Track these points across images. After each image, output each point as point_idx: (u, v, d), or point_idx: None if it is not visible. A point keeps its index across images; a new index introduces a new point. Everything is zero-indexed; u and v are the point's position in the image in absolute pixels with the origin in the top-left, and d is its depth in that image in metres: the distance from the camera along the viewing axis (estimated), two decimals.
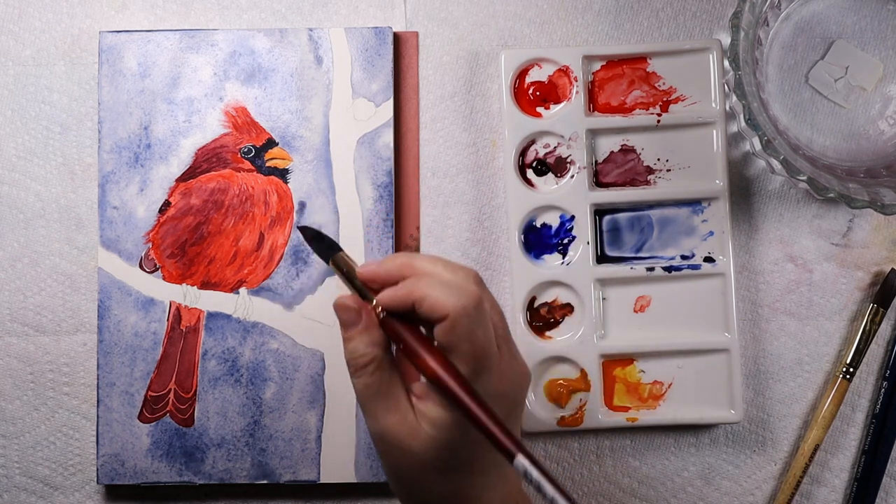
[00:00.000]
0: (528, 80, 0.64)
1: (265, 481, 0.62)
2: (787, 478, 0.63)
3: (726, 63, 0.63)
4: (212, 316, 0.63)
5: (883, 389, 0.64)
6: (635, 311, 0.64)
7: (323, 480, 0.62)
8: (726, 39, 0.63)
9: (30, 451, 0.64)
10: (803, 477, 0.63)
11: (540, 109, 0.64)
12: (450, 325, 0.48)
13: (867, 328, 0.63)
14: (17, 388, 0.64)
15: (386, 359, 0.51)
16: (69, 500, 0.64)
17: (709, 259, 0.63)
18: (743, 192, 0.65)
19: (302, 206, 0.63)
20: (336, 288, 0.63)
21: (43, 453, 0.64)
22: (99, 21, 0.65)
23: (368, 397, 0.50)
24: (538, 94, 0.64)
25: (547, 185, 0.64)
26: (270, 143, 0.63)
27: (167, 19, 0.65)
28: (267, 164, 0.63)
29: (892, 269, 0.64)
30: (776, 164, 0.59)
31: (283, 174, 0.63)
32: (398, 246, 0.64)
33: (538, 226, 0.64)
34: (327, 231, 0.63)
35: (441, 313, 0.48)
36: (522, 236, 0.64)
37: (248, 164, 0.63)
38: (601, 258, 0.64)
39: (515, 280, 0.63)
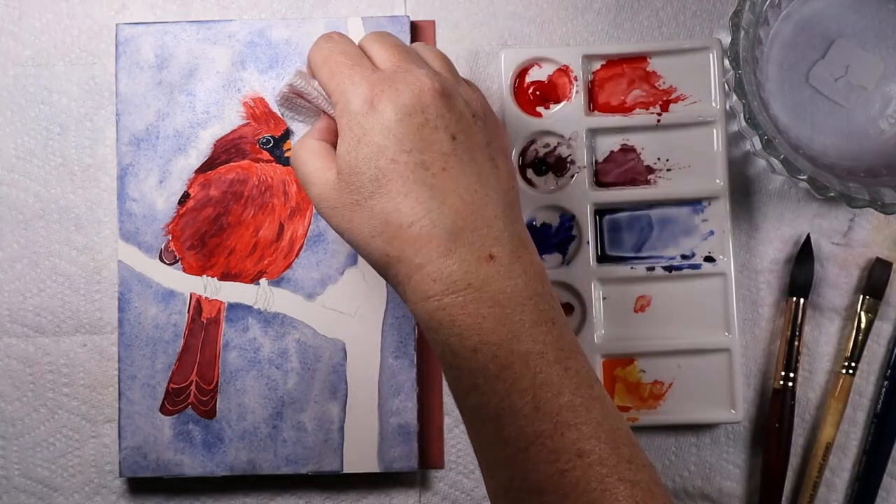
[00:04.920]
0: (527, 79, 0.64)
1: (288, 472, 0.62)
2: (805, 480, 0.63)
3: (726, 62, 0.63)
4: (232, 307, 0.63)
5: (884, 389, 0.64)
6: (635, 310, 0.64)
7: (346, 471, 0.62)
8: (726, 38, 0.63)
9: (29, 453, 0.64)
10: (820, 477, 0.63)
11: (540, 109, 0.64)
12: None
13: (860, 319, 0.63)
14: (16, 390, 0.64)
15: None
16: (68, 501, 0.64)
17: (709, 258, 0.63)
18: (743, 192, 0.65)
19: None
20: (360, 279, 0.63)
21: (42, 455, 0.64)
22: (99, 21, 0.65)
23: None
24: (538, 93, 0.64)
25: (547, 185, 0.64)
26: (289, 134, 0.63)
27: (167, 19, 0.65)
28: (286, 155, 0.63)
29: (878, 258, 0.64)
30: (776, 163, 0.59)
31: None
32: None
33: (538, 225, 0.64)
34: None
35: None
36: None
37: (266, 155, 0.63)
38: (601, 258, 0.64)
39: None
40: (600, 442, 0.47)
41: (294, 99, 0.54)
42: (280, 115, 0.55)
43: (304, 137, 0.54)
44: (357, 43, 0.53)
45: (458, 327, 0.48)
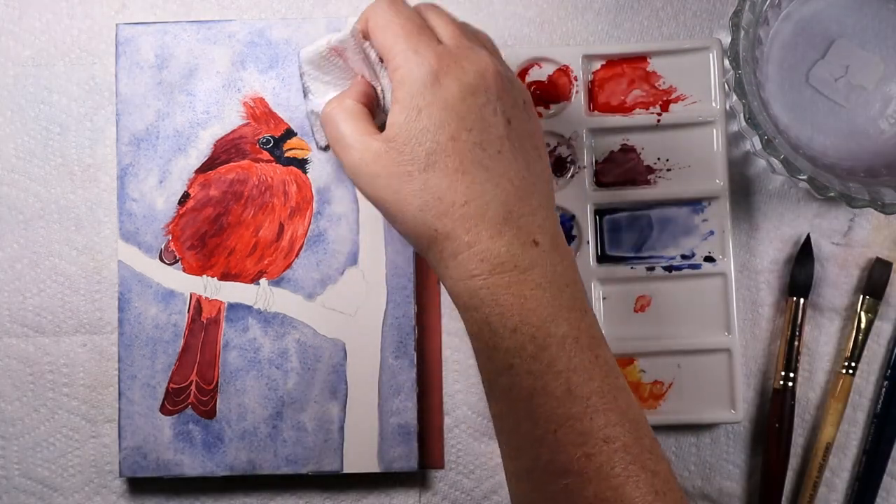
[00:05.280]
0: (528, 79, 0.64)
1: (288, 472, 0.62)
2: (805, 480, 0.63)
3: (726, 62, 0.63)
4: (232, 307, 0.63)
5: (884, 389, 0.64)
6: (635, 310, 0.64)
7: (346, 471, 0.62)
8: (726, 38, 0.63)
9: (29, 453, 0.64)
10: (820, 477, 0.63)
11: (540, 109, 0.64)
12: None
13: (860, 319, 0.63)
14: (16, 390, 0.64)
15: None
16: (68, 501, 0.64)
17: (709, 258, 0.63)
18: (743, 192, 0.65)
19: (321, 195, 0.63)
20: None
21: (42, 455, 0.64)
22: (98, 21, 0.65)
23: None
24: (538, 93, 0.64)
25: None
26: (289, 134, 0.63)
27: (167, 19, 0.65)
28: (286, 155, 0.63)
29: (878, 258, 0.64)
30: (776, 163, 0.59)
31: (302, 164, 0.63)
32: None
33: None
34: (347, 220, 0.63)
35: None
36: None
37: (266, 155, 0.63)
38: (601, 258, 0.64)
39: None
40: (625, 430, 0.48)
41: (331, 58, 0.53)
42: (300, 70, 0.54)
43: (341, 96, 0.53)
44: None
45: (501, 306, 0.49)
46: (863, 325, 0.63)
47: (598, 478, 0.47)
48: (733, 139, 0.65)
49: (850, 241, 0.64)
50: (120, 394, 0.62)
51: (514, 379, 0.49)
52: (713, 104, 0.63)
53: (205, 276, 0.63)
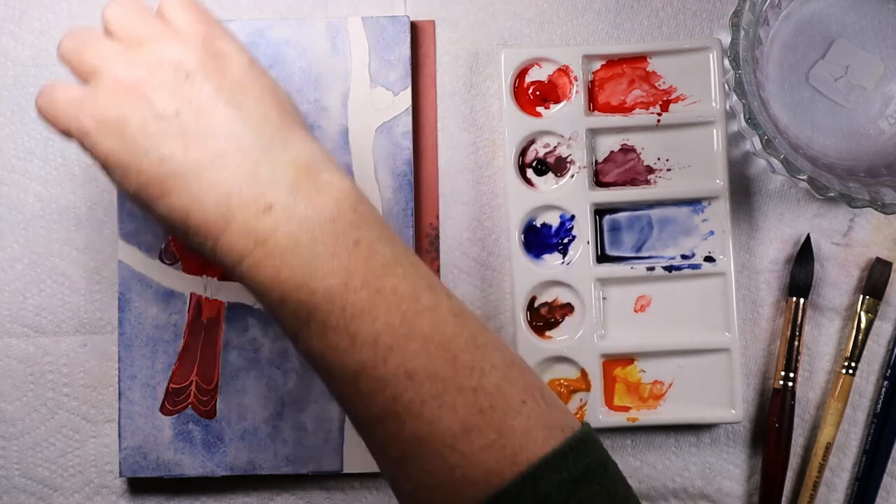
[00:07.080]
0: (527, 79, 0.64)
1: (288, 472, 0.62)
2: (805, 480, 0.63)
3: (726, 62, 0.63)
4: (232, 307, 0.63)
5: (884, 389, 0.64)
6: (635, 310, 0.64)
7: (346, 471, 0.62)
8: (726, 38, 0.63)
9: (29, 453, 0.64)
10: (820, 477, 0.63)
11: (540, 109, 0.64)
12: None
13: (860, 319, 0.63)
14: (16, 390, 0.64)
15: None
16: (68, 501, 0.64)
17: (709, 258, 0.63)
18: (743, 192, 0.65)
19: None
20: None
21: (42, 455, 0.64)
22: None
23: None
24: (538, 93, 0.64)
25: (547, 185, 0.64)
26: None
27: None
28: None
29: (878, 258, 0.64)
30: (776, 163, 0.59)
31: None
32: (418, 235, 0.64)
33: (538, 225, 0.64)
34: None
35: None
36: (522, 236, 0.63)
37: None
38: (601, 258, 0.64)
39: (515, 280, 0.63)
40: (431, 357, 0.46)
41: None
42: None
43: None
44: None
45: (262, 285, 0.48)
46: (863, 325, 0.63)
47: (411, 416, 0.46)
48: (733, 139, 0.65)
49: (850, 241, 0.64)
50: (120, 394, 0.62)
51: (305, 345, 0.48)
52: (713, 104, 0.63)
53: (205, 275, 0.63)
